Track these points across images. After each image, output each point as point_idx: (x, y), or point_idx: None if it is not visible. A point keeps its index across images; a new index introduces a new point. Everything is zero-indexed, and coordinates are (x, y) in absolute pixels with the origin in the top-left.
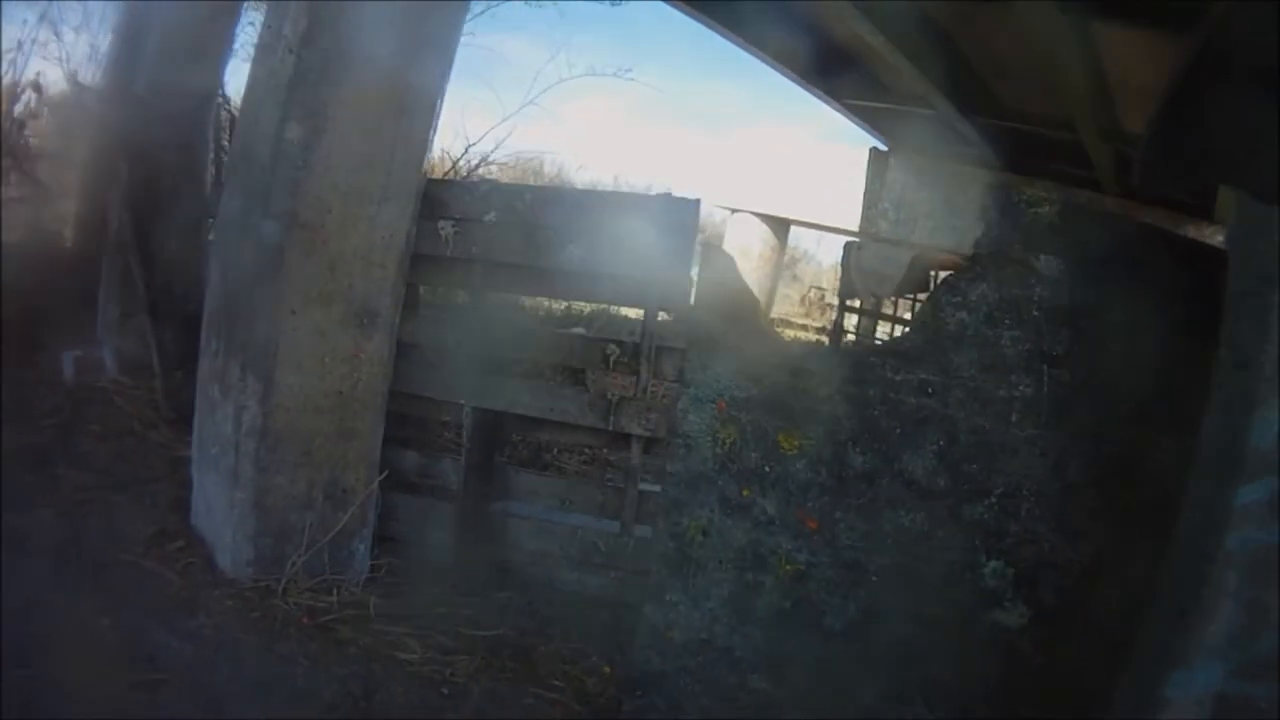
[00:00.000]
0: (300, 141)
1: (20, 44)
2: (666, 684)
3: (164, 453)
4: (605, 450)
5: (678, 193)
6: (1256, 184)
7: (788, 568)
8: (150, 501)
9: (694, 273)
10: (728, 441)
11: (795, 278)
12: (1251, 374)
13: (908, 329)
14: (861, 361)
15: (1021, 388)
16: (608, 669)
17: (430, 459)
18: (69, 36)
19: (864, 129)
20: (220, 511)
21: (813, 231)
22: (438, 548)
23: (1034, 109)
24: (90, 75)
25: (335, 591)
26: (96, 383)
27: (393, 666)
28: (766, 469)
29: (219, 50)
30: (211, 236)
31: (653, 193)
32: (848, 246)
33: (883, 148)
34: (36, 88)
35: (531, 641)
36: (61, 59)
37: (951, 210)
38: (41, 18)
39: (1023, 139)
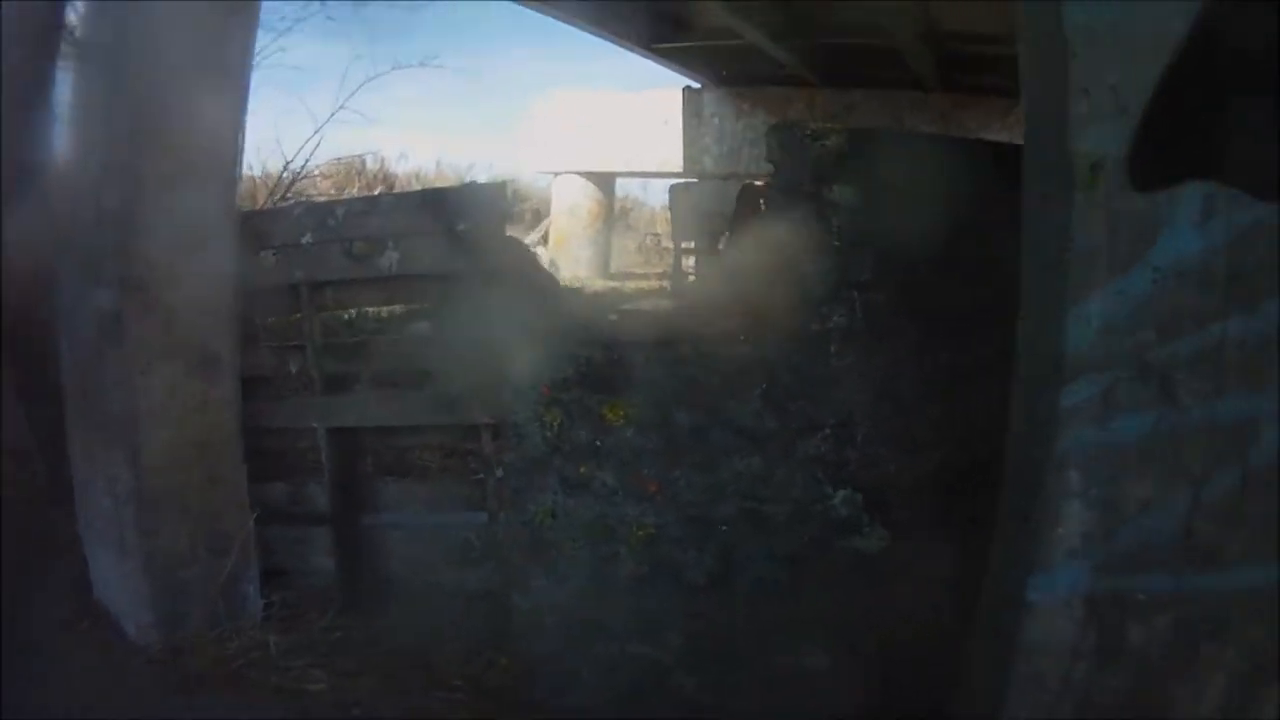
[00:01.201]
0: (118, 209)
1: None
2: (554, 665)
3: (52, 534)
4: (461, 443)
5: (484, 178)
6: (1251, 181)
7: (639, 533)
8: (53, 578)
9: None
10: (554, 424)
11: (629, 227)
12: (1059, 275)
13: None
14: (667, 321)
15: (835, 319)
16: (504, 661)
17: (297, 487)
18: None
19: (674, 70)
20: (115, 582)
21: (641, 180)
22: (321, 573)
23: (847, 20)
24: None
25: (236, 638)
26: None
27: (304, 700)
28: (598, 443)
29: (45, 117)
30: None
31: (465, 180)
32: (673, 189)
33: (696, 85)
34: None
35: (426, 648)
36: None
37: None
38: None
39: (838, 51)
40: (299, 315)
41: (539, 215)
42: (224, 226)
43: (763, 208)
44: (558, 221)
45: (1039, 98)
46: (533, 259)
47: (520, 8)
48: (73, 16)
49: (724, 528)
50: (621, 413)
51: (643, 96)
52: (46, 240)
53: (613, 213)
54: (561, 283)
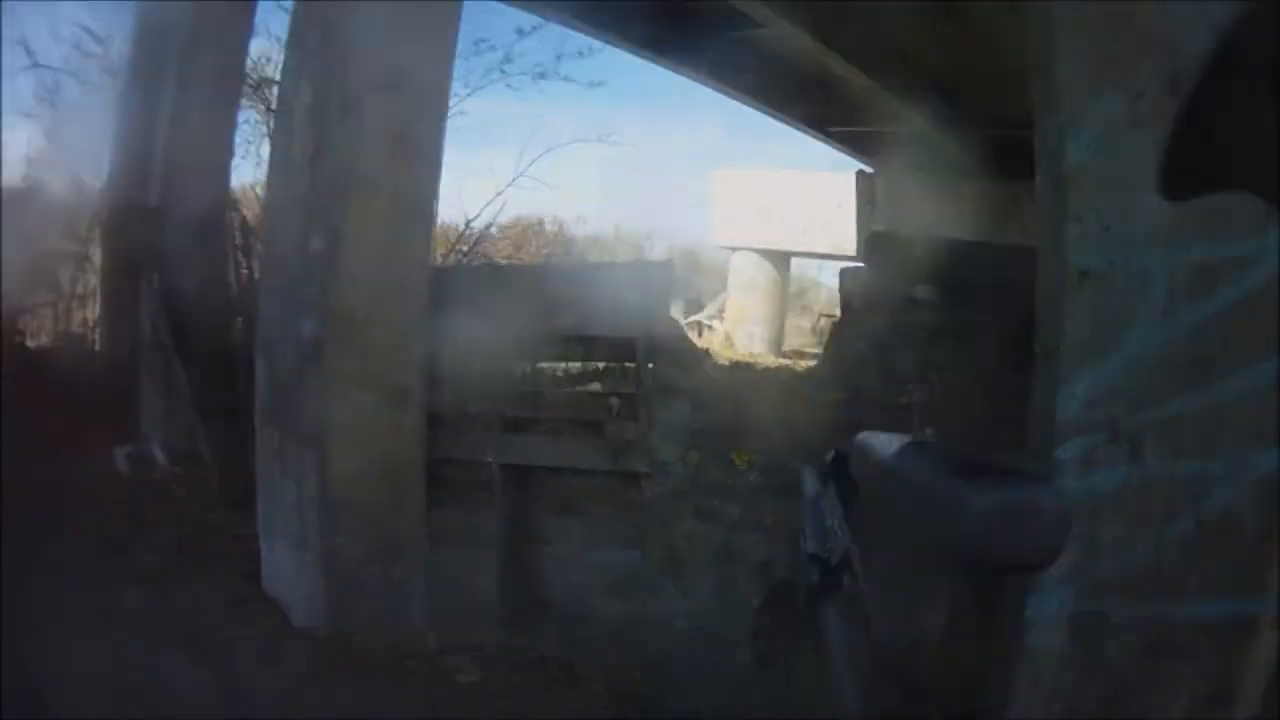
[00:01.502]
0: (323, 251)
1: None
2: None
3: (225, 532)
4: (621, 487)
5: (661, 248)
6: (1271, 191)
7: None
8: (223, 572)
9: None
10: (694, 464)
11: (805, 308)
12: (1056, 359)
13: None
14: (786, 386)
15: (916, 395)
16: (637, 674)
17: (470, 513)
18: (75, 148)
19: (848, 154)
20: (290, 574)
21: (818, 261)
22: (485, 591)
23: (1013, 115)
24: (98, 187)
25: (398, 633)
26: (151, 474)
27: (456, 689)
28: (728, 483)
29: (222, 158)
30: (240, 333)
31: (638, 258)
32: (843, 272)
33: (869, 170)
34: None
35: (571, 658)
36: (70, 170)
37: (944, 223)
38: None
39: (1004, 143)
40: (483, 363)
41: (717, 289)
42: (419, 276)
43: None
44: (734, 296)
45: (1047, 220)
46: (682, 333)
47: (700, 87)
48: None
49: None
50: (746, 458)
51: (818, 178)
52: (213, 264)
53: (788, 291)
54: (735, 358)
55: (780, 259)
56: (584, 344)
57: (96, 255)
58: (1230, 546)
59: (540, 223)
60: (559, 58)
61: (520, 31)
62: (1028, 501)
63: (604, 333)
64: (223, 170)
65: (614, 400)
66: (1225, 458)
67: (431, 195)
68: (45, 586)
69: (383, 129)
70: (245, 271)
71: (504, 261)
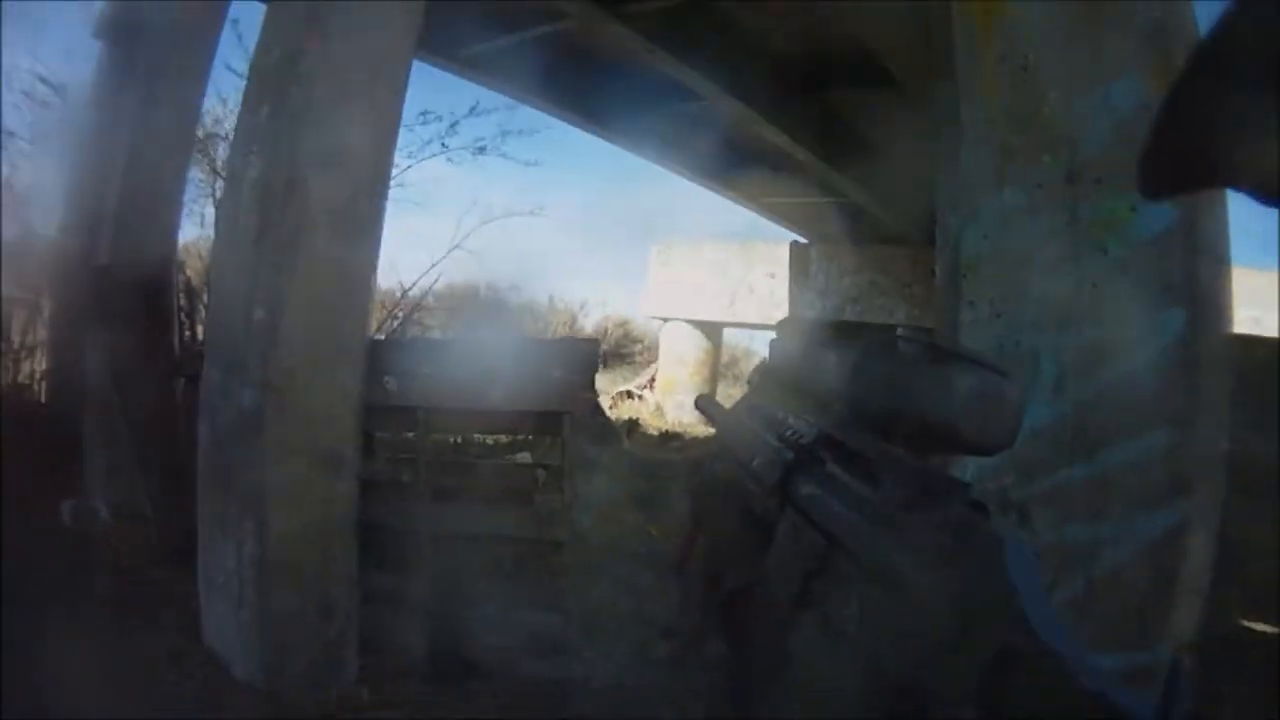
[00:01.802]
0: (264, 321)
1: None
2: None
3: (165, 587)
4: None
5: (594, 317)
6: (1259, 186)
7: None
8: (163, 626)
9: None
10: (610, 536)
11: (736, 377)
12: None
13: None
14: (704, 455)
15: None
16: None
17: (400, 577)
18: (28, 197)
19: (781, 225)
20: (229, 630)
21: (750, 331)
22: (414, 650)
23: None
24: (49, 236)
25: (332, 688)
26: (93, 528)
27: None
28: (643, 551)
29: (172, 219)
30: (182, 393)
31: (568, 334)
32: (772, 343)
33: (802, 241)
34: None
35: (497, 713)
36: (21, 219)
37: (878, 291)
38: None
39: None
40: (414, 433)
41: (650, 358)
42: (355, 348)
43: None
44: (665, 367)
45: (945, 305)
46: (598, 410)
47: (635, 159)
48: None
49: None
50: (659, 530)
51: (753, 248)
52: (159, 324)
53: (719, 361)
54: (664, 427)
55: (712, 329)
56: (513, 417)
57: (45, 306)
58: (1119, 603)
59: (476, 291)
60: (503, 134)
61: (472, 110)
62: (1000, 388)
63: (532, 406)
64: (171, 230)
65: (540, 472)
66: (1113, 521)
67: (370, 268)
68: None
69: (325, 206)
70: (188, 334)
71: (438, 334)
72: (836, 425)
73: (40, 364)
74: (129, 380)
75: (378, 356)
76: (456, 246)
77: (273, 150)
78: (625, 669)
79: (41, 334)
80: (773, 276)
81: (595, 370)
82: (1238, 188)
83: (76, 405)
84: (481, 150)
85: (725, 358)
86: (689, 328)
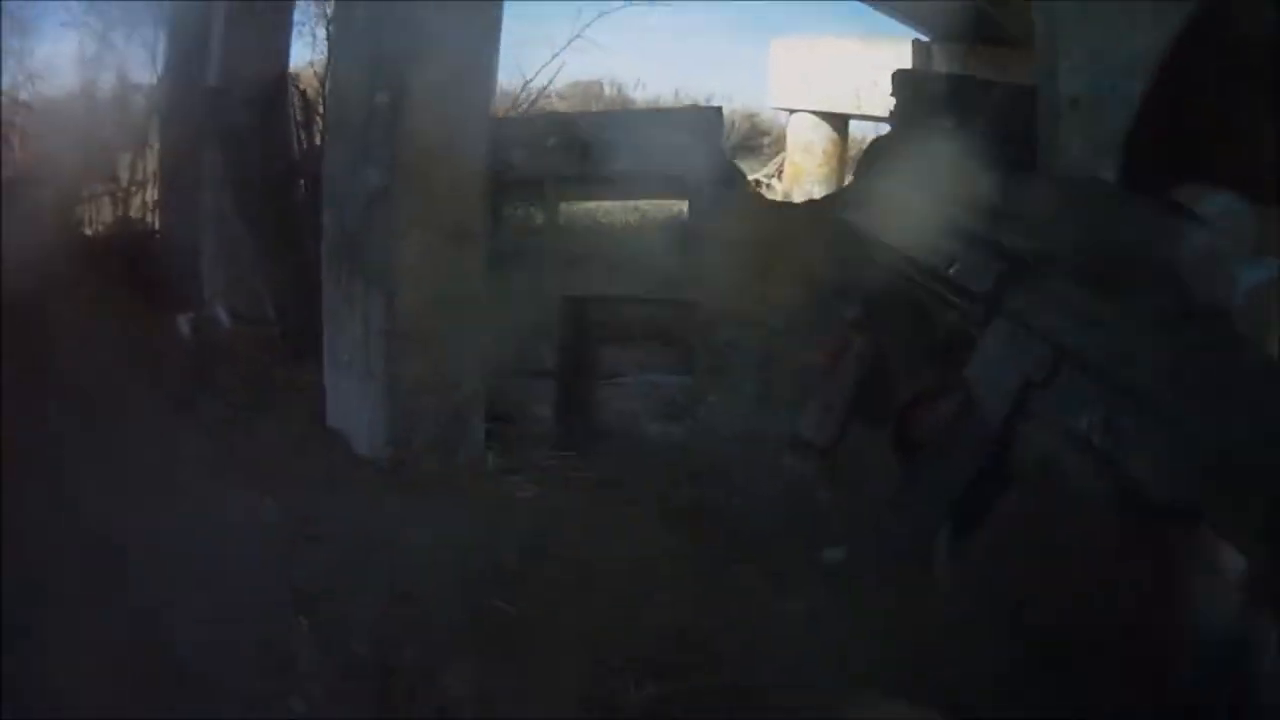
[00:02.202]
0: (389, 105)
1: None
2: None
3: (290, 382)
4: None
5: (704, 104)
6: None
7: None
8: (287, 416)
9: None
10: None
11: None
12: None
13: None
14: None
15: None
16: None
17: (530, 344)
18: (119, 43)
19: (905, 24)
20: (354, 406)
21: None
22: (543, 420)
23: None
24: (150, 77)
25: (458, 456)
26: (215, 337)
27: (513, 503)
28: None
29: (282, 37)
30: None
31: (683, 106)
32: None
33: (924, 39)
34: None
35: (625, 477)
36: (116, 65)
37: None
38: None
39: None
40: (541, 202)
41: (777, 149)
42: (479, 125)
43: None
44: (793, 157)
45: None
46: (730, 170)
47: None
48: None
49: None
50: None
51: (875, 45)
52: (275, 138)
53: (846, 153)
54: None
55: (838, 121)
56: (639, 183)
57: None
58: None
59: (599, 86)
60: None
61: None
62: (1223, 250)
63: (657, 171)
64: (283, 50)
65: (664, 233)
66: None
67: (492, 53)
68: (112, 448)
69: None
70: (304, 145)
71: (579, 102)
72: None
73: (151, 196)
74: (248, 190)
75: (502, 133)
76: (577, 36)
77: None
78: (749, 418)
79: (150, 168)
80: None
81: (720, 135)
82: (1224, 184)
83: (191, 228)
84: None
85: (851, 150)
86: (815, 119)
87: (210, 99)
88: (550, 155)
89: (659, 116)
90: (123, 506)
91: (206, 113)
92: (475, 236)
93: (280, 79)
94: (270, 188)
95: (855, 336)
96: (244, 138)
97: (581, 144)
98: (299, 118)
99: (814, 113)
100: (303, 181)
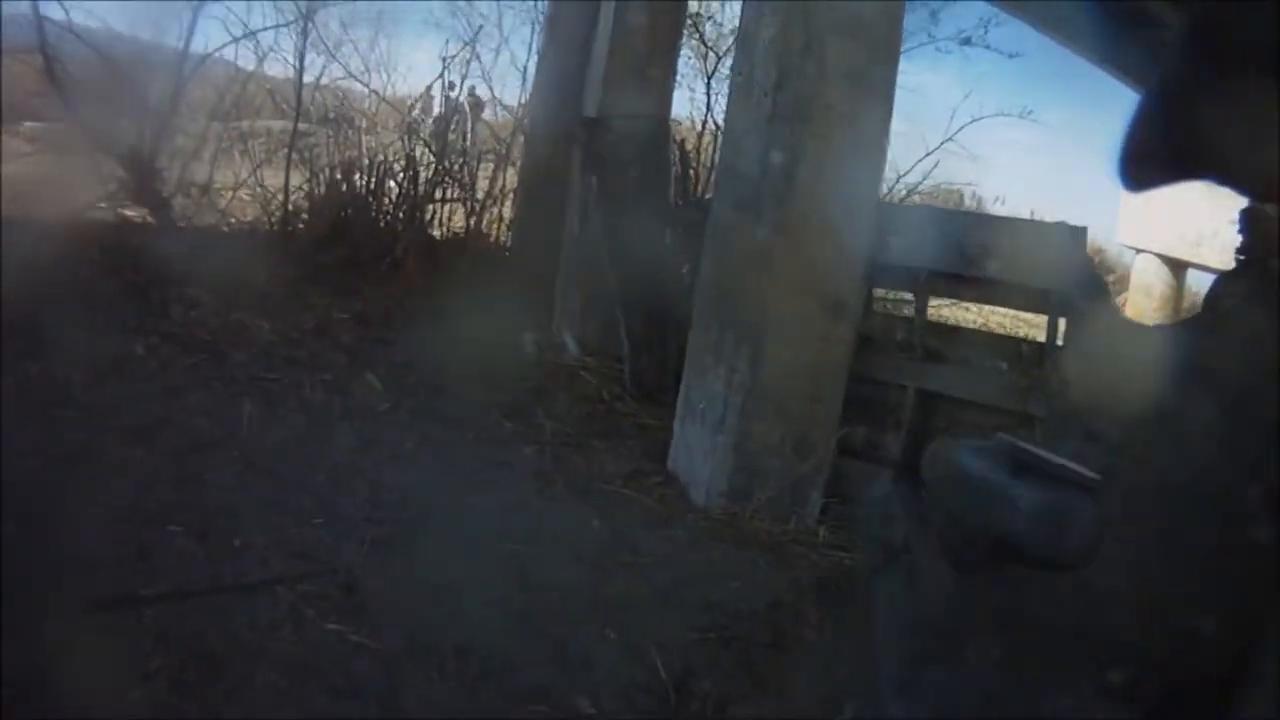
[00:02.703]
0: (782, 166)
1: (444, 60)
2: None
3: (631, 419)
4: (1018, 425)
5: (1071, 222)
6: (1250, 179)
7: None
8: (624, 450)
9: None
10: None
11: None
12: None
13: None
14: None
15: None
16: None
17: (877, 431)
18: (487, 58)
19: None
20: (700, 455)
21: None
22: None
23: None
24: (518, 94)
25: (791, 521)
26: (561, 361)
27: (838, 576)
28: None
29: (664, 81)
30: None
31: (1059, 220)
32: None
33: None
34: (475, 103)
35: None
36: (485, 78)
37: None
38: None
39: None
40: (913, 294)
41: (1120, 288)
42: (867, 203)
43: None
44: (1133, 297)
45: None
46: (1099, 284)
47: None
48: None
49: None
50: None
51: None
52: (652, 175)
53: (1181, 300)
54: None
55: (1178, 267)
56: (1005, 289)
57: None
58: None
59: (959, 195)
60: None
61: None
62: (1067, 505)
63: (1021, 281)
64: (665, 94)
65: (1024, 346)
66: None
67: (884, 131)
68: (439, 435)
69: (841, 64)
70: (679, 197)
71: (941, 205)
72: None
73: (505, 212)
74: (619, 225)
75: (884, 216)
76: (949, 139)
77: (787, 14)
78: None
79: (511, 181)
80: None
81: (1084, 251)
82: (1227, 183)
83: (547, 252)
84: (967, 41)
85: (1187, 300)
86: (1158, 262)
87: (588, 127)
88: (927, 247)
89: (1030, 226)
90: (449, 491)
91: (584, 140)
92: (849, 311)
93: (662, 122)
94: (642, 224)
95: None
96: (623, 169)
97: (958, 242)
98: (676, 166)
99: (1159, 255)
100: (676, 228)
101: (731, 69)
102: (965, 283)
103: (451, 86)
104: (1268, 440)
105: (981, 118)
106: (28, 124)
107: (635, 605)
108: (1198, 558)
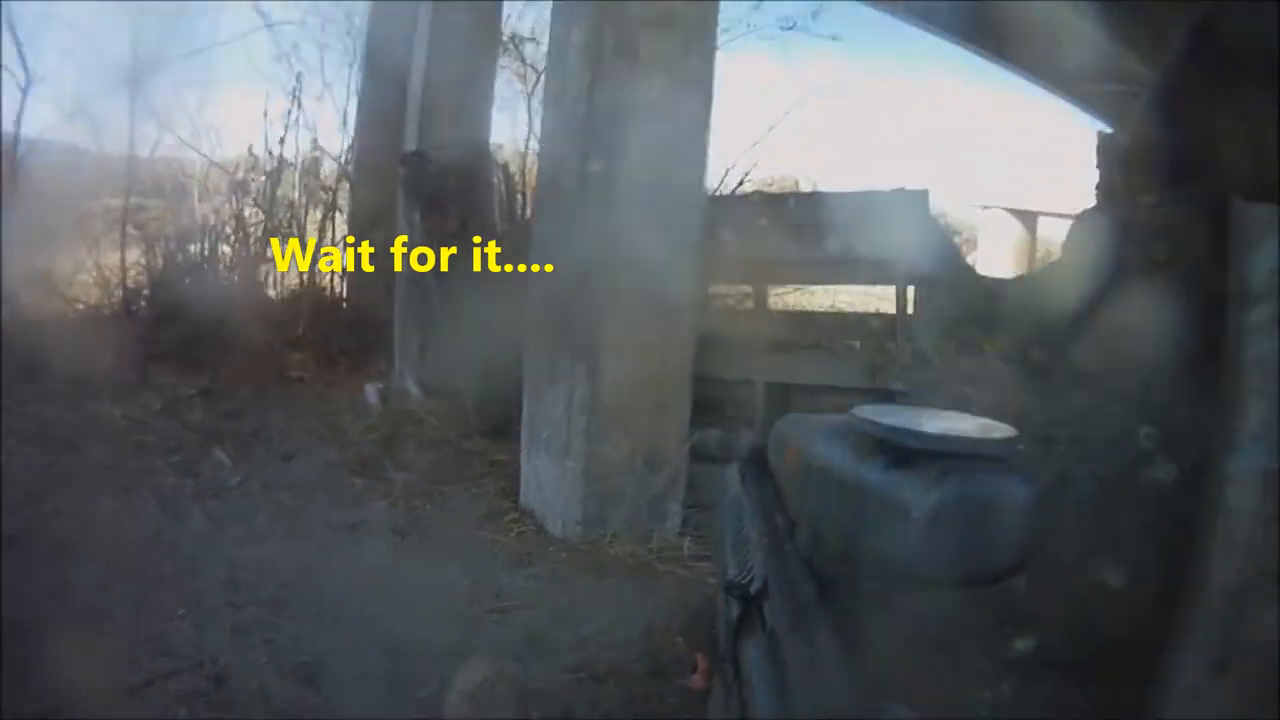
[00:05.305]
0: (601, 173)
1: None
2: None
3: (481, 457)
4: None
5: (909, 187)
6: (1252, 186)
7: None
8: (477, 490)
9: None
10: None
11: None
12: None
13: None
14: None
15: None
16: None
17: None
18: (310, 106)
19: (1090, 113)
20: (550, 484)
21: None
22: None
23: None
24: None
25: (653, 539)
26: (405, 407)
27: (707, 588)
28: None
29: (483, 107)
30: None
31: (891, 189)
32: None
33: (1108, 130)
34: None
35: None
36: (309, 126)
37: None
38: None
39: None
40: (751, 283)
41: (970, 247)
42: (693, 199)
43: None
44: (982, 255)
45: None
46: (950, 249)
47: (943, 42)
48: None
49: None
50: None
51: (1063, 138)
52: (478, 205)
53: (1035, 252)
54: None
55: (1028, 219)
56: (846, 268)
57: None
58: None
59: (794, 181)
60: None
61: None
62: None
63: (864, 255)
64: (483, 120)
65: (874, 321)
66: None
67: (705, 124)
68: (291, 503)
69: (656, 61)
70: (505, 221)
71: (772, 189)
72: None
73: (339, 261)
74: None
75: (713, 210)
76: (774, 128)
77: (599, 13)
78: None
79: (341, 229)
80: (1084, 167)
81: (928, 215)
82: (1230, 189)
83: (381, 295)
84: (791, 27)
85: (1041, 250)
86: (1006, 216)
87: (407, 162)
88: (761, 235)
89: (866, 198)
90: (305, 561)
91: (405, 175)
92: (684, 313)
93: (482, 148)
94: (468, 255)
95: None
96: (445, 201)
97: (793, 225)
98: (501, 190)
99: (1004, 209)
100: (503, 251)
101: (545, 80)
102: (805, 265)
103: (281, 141)
104: (1149, 377)
105: (805, 98)
106: None
107: (505, 653)
108: (1089, 507)
